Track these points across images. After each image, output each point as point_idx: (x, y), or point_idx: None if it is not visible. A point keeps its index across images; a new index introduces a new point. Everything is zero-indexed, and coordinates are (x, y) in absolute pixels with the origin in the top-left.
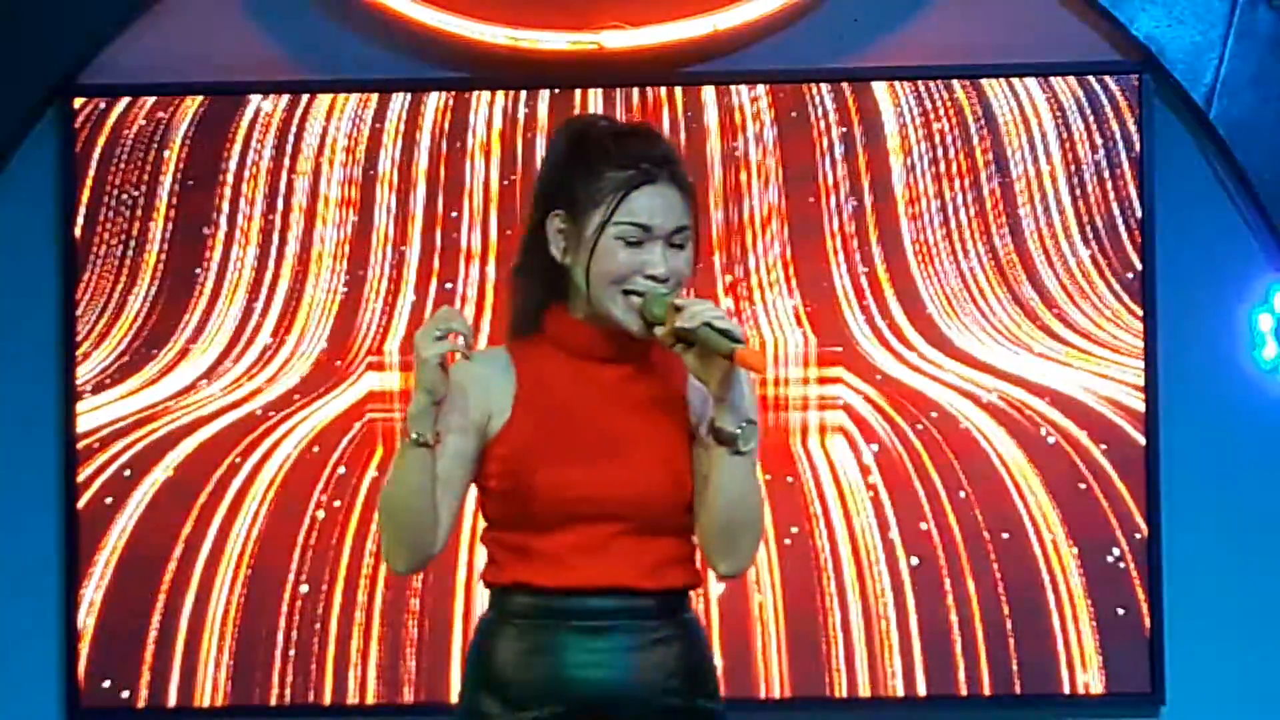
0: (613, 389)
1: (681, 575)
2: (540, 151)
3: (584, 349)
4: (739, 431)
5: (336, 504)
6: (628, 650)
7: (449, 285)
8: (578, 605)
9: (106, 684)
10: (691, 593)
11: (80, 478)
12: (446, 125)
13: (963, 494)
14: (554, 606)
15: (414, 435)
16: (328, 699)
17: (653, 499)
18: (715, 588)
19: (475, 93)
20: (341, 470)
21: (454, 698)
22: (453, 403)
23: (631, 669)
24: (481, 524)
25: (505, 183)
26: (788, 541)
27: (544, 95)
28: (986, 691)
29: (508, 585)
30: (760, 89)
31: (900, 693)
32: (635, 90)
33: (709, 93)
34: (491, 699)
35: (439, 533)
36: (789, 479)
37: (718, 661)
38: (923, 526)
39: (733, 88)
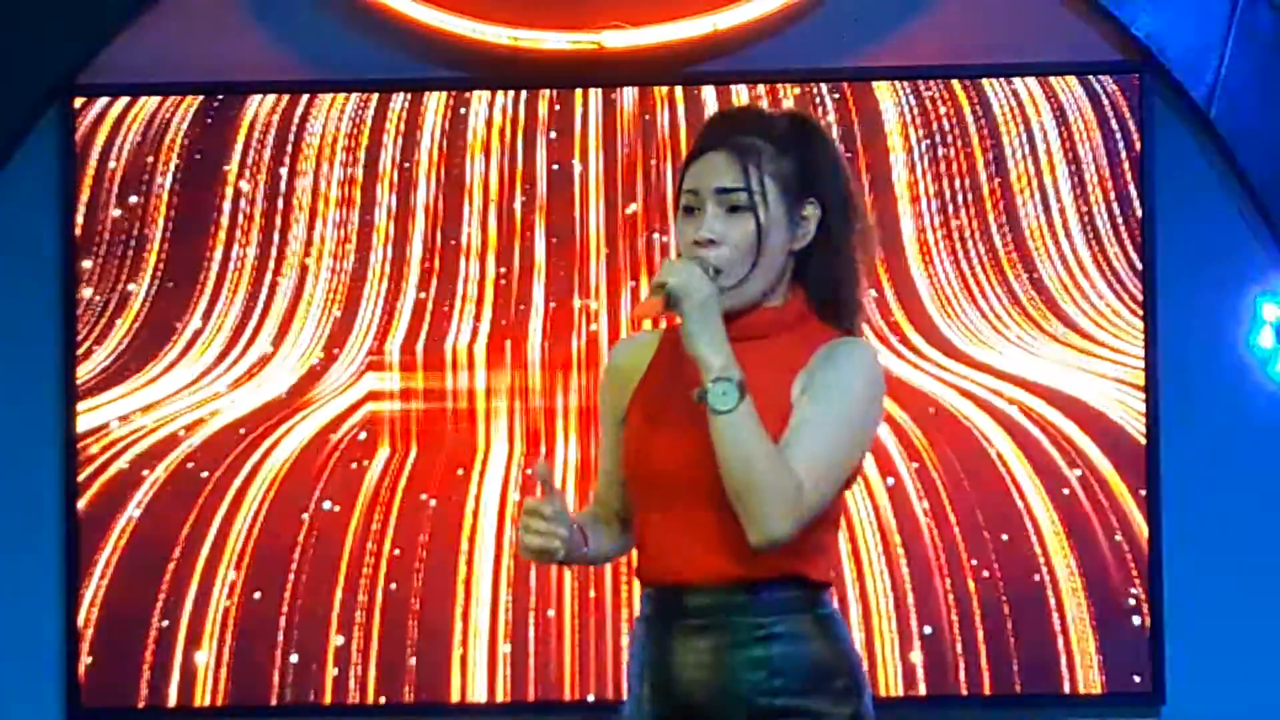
0: None
1: (788, 563)
2: (541, 151)
3: None
4: (707, 389)
5: (334, 506)
6: (725, 649)
7: (449, 285)
8: (678, 604)
9: (106, 684)
10: (821, 588)
11: (80, 477)
12: (446, 125)
13: (962, 493)
14: (661, 604)
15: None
16: (328, 699)
17: None
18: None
19: (475, 93)
20: (342, 470)
21: (454, 697)
22: (602, 396)
23: (729, 668)
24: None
25: (505, 182)
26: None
27: (544, 95)
28: (986, 691)
29: (642, 583)
30: (760, 89)
31: (900, 692)
32: (635, 90)
33: (709, 93)
34: (633, 699)
35: (620, 533)
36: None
37: None
38: (922, 526)
39: (733, 88)
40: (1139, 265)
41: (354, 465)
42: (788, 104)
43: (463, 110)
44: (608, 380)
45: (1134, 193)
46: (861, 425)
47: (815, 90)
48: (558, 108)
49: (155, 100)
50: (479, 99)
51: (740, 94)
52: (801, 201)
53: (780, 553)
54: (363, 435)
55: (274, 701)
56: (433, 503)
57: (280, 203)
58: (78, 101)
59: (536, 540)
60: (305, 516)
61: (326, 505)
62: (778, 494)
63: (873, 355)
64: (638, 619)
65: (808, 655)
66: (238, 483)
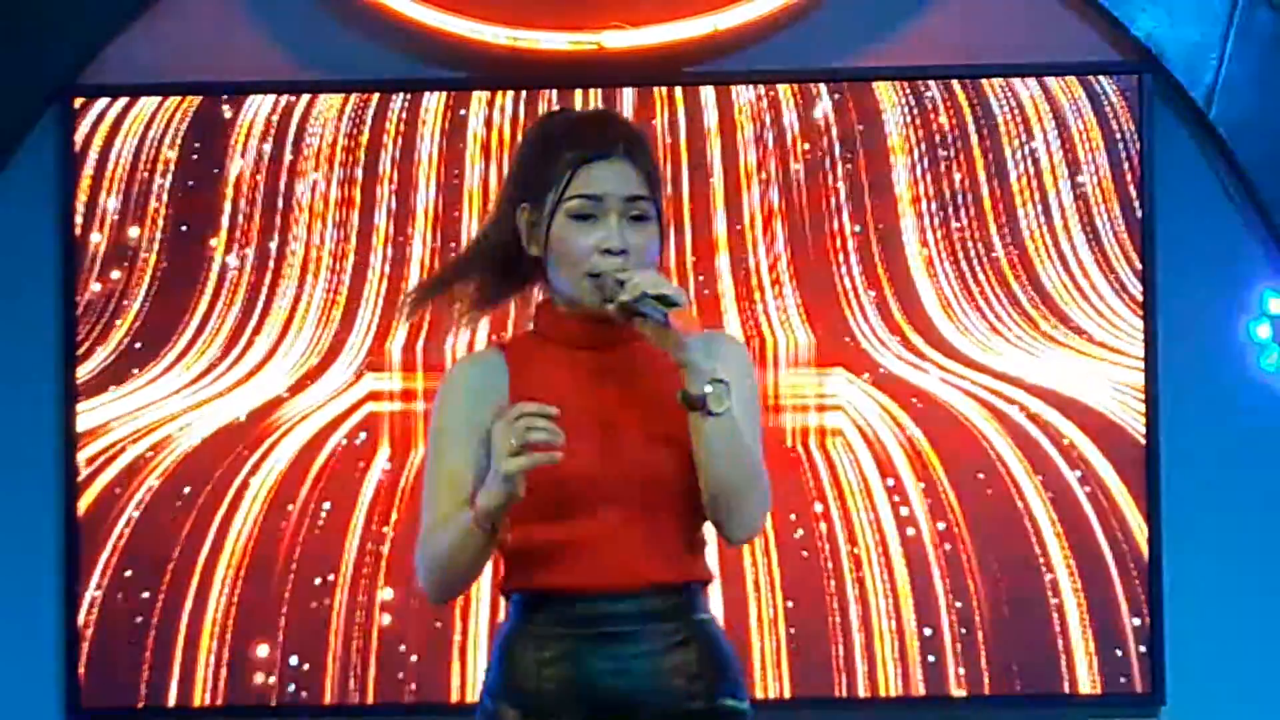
0: (606, 375)
1: (697, 567)
2: None
3: (573, 340)
4: (706, 393)
5: (333, 507)
6: (647, 655)
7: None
8: (596, 611)
9: (106, 684)
10: (705, 590)
11: (80, 477)
12: (446, 126)
13: (961, 494)
14: (574, 614)
15: (487, 527)
16: (327, 699)
17: (654, 477)
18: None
19: (475, 93)
20: (341, 471)
21: (453, 697)
22: (457, 416)
23: (652, 674)
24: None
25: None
26: (794, 536)
27: (544, 96)
28: (986, 691)
29: (524, 590)
30: (760, 89)
31: (899, 692)
32: (635, 90)
33: (709, 93)
34: (513, 710)
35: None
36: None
37: None
38: (923, 526)
39: (733, 88)
40: (1139, 265)
41: (353, 466)
42: (787, 104)
43: (462, 111)
44: (465, 400)
45: (1134, 193)
46: (760, 413)
47: (815, 90)
48: (557, 109)
49: (155, 100)
50: (479, 99)
51: (740, 94)
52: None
53: (691, 556)
54: (362, 436)
55: (274, 702)
56: None
57: (280, 203)
58: (78, 101)
59: (544, 435)
60: (304, 517)
61: (326, 506)
62: (762, 493)
63: (741, 343)
64: (510, 626)
65: (716, 655)
66: (237, 483)
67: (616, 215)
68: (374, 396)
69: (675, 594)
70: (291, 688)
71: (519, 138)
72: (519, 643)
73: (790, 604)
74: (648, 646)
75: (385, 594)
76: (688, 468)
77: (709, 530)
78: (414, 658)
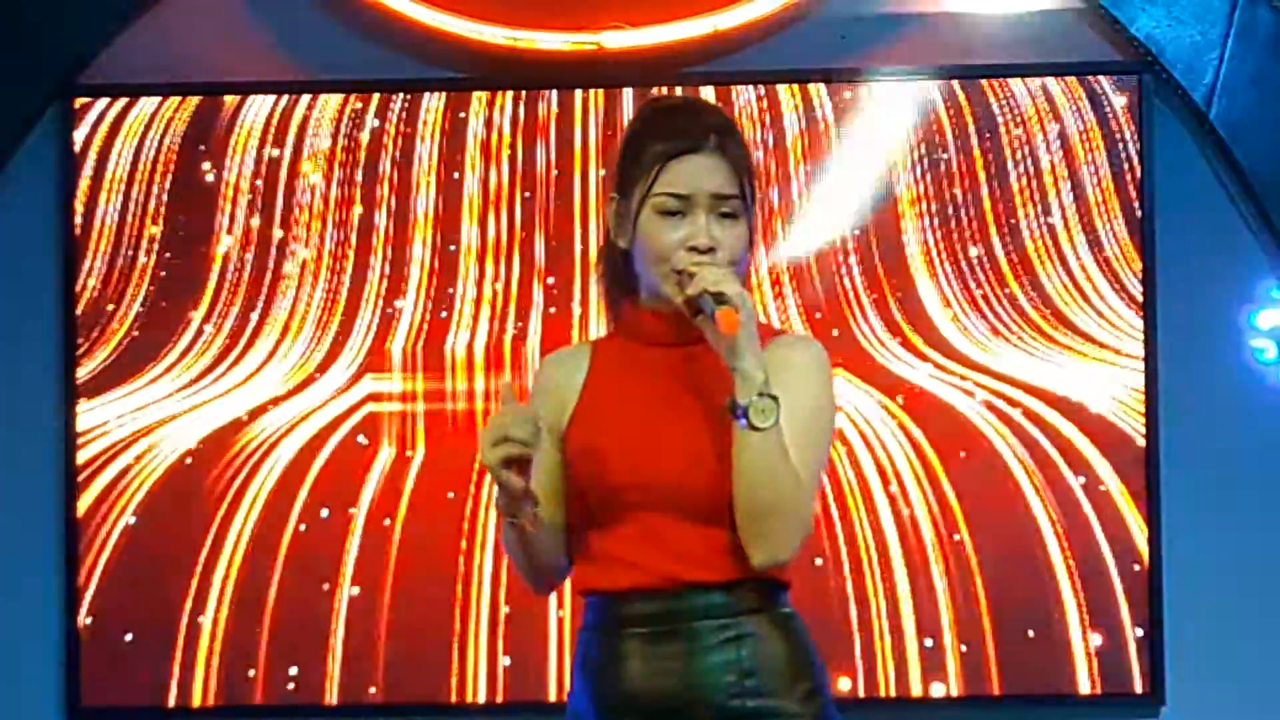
0: (669, 372)
1: (748, 566)
2: (540, 152)
3: (647, 335)
4: (749, 404)
5: (333, 507)
6: (690, 654)
7: (450, 289)
8: (634, 611)
9: (106, 684)
10: (781, 587)
11: (80, 478)
12: (446, 126)
13: (962, 495)
14: (615, 615)
15: (508, 519)
16: (327, 699)
17: (697, 481)
18: None
19: (474, 93)
20: (341, 472)
21: (453, 697)
22: (537, 412)
23: (696, 673)
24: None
25: (505, 184)
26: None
27: (544, 95)
28: (986, 692)
29: (583, 593)
30: (760, 89)
31: (899, 693)
32: (635, 90)
33: (709, 93)
34: (580, 710)
35: (562, 555)
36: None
37: None
38: (923, 527)
39: (733, 88)
40: (1139, 265)
41: (353, 467)
42: (787, 104)
43: (462, 111)
44: (538, 397)
45: (1134, 193)
46: (830, 433)
47: (815, 90)
48: (557, 109)
49: (155, 100)
50: (478, 100)
51: (740, 94)
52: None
53: (731, 554)
54: (362, 437)
55: (273, 702)
56: (433, 504)
57: (279, 203)
58: (78, 102)
59: (521, 432)
60: (304, 517)
61: (325, 506)
62: (796, 519)
63: (824, 353)
64: (584, 630)
65: (776, 655)
66: (237, 483)
67: (705, 211)
68: (374, 398)
69: (719, 591)
70: (292, 688)
71: (519, 138)
72: (580, 645)
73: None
74: (690, 645)
75: (386, 594)
76: (718, 470)
77: None
78: (414, 658)
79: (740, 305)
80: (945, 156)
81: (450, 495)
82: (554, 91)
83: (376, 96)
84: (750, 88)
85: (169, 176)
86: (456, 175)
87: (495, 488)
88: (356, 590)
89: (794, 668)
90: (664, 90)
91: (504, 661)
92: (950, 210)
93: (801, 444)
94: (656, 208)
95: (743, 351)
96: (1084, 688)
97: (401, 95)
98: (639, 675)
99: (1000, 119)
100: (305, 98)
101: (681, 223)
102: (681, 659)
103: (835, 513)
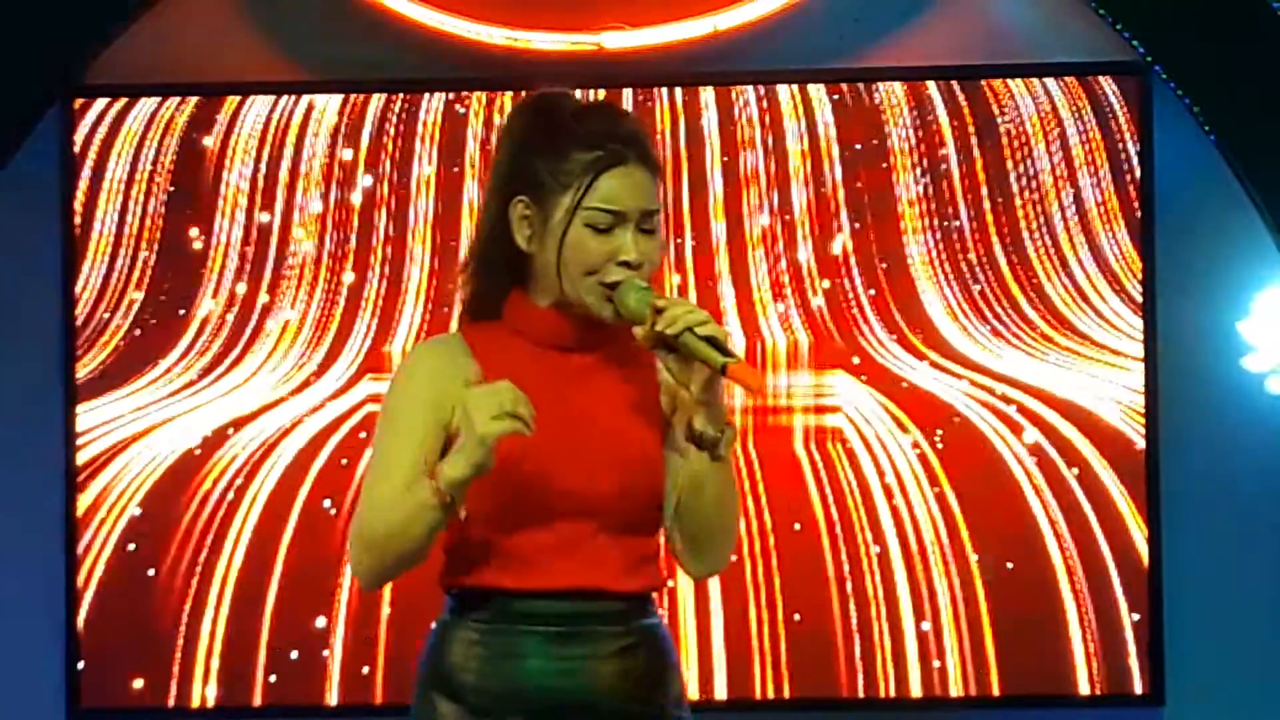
0: (582, 378)
1: (651, 576)
2: None
3: (550, 337)
4: (720, 436)
5: (333, 508)
6: (592, 658)
7: (449, 288)
8: (542, 610)
9: (106, 684)
10: (655, 594)
11: (80, 477)
12: (446, 125)
13: (962, 496)
14: (516, 610)
15: (449, 498)
16: (329, 699)
17: (633, 493)
18: (713, 585)
19: (475, 93)
20: (341, 472)
21: None
22: (415, 400)
23: (596, 677)
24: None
25: None
26: (793, 538)
27: None
28: (985, 692)
29: (472, 588)
30: (760, 89)
31: (898, 693)
32: (635, 90)
33: (709, 93)
34: (448, 703)
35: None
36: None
37: (719, 662)
38: (923, 527)
39: (733, 88)
40: (1139, 266)
41: (353, 468)
42: (787, 104)
43: (462, 111)
44: (427, 381)
45: (1134, 193)
46: None
47: (815, 90)
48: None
49: (155, 100)
50: (478, 100)
51: (740, 94)
52: None
53: (646, 565)
54: (362, 436)
55: (274, 702)
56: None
57: (279, 203)
58: (78, 102)
59: (525, 410)
60: (305, 518)
61: (325, 507)
62: (733, 535)
63: None
64: (447, 621)
65: (660, 663)
66: (237, 484)
67: (634, 227)
68: (374, 399)
69: (625, 600)
70: (292, 688)
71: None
72: (456, 635)
73: (789, 604)
74: (593, 649)
75: (385, 594)
76: (648, 482)
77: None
78: (414, 658)
79: (740, 356)
80: (945, 157)
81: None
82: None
83: (376, 96)
84: (750, 88)
85: (169, 176)
86: (456, 175)
87: (457, 461)
88: (356, 590)
89: (673, 674)
90: (664, 90)
91: None
92: (950, 211)
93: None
94: (587, 221)
95: (720, 389)
96: (1084, 688)
97: (401, 95)
98: (536, 673)
99: (1000, 119)
100: (305, 98)
101: (610, 237)
102: (584, 661)
103: (835, 513)
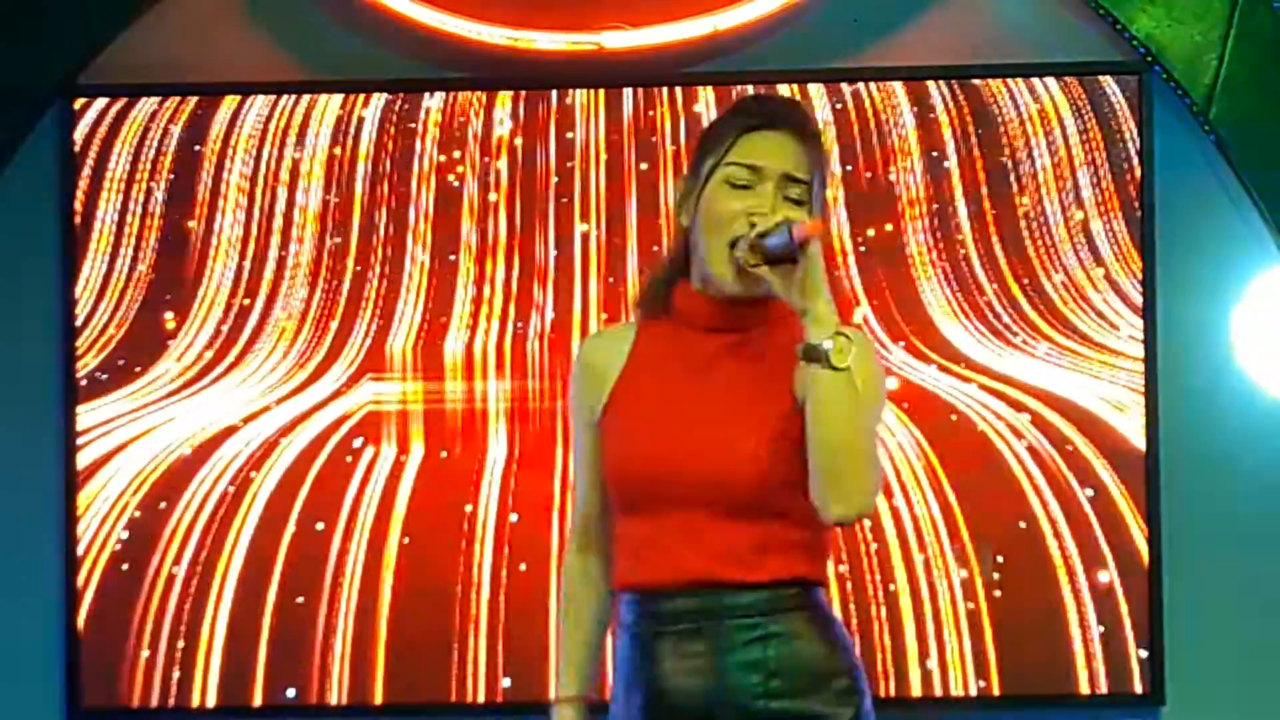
0: (714, 359)
1: (786, 564)
2: (540, 152)
3: (698, 318)
4: (828, 345)
5: (334, 508)
6: (717, 652)
7: (449, 288)
8: (664, 609)
9: (106, 684)
10: (815, 587)
11: (80, 477)
12: (446, 125)
13: (963, 495)
14: (646, 611)
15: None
16: (331, 699)
17: (736, 475)
18: None
19: (475, 93)
20: (341, 473)
21: (453, 696)
22: (578, 397)
23: (723, 672)
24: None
25: (506, 183)
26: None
27: (544, 95)
28: (986, 691)
29: (618, 590)
30: (760, 89)
31: (898, 693)
32: (635, 90)
33: (709, 93)
34: (615, 709)
35: (608, 562)
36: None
37: None
38: (923, 528)
39: (732, 88)
40: (1139, 266)
41: (354, 468)
42: None
43: (461, 111)
44: (581, 379)
45: (1134, 193)
46: (883, 401)
47: (816, 90)
48: (557, 109)
49: (155, 100)
50: (478, 100)
51: (740, 94)
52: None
53: (782, 553)
54: (362, 438)
55: (273, 702)
56: (433, 505)
57: (279, 203)
58: (78, 102)
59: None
60: (304, 518)
61: (325, 507)
62: (875, 465)
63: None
64: (621, 627)
65: (805, 656)
66: (238, 484)
67: (773, 187)
68: (374, 400)
69: (751, 591)
70: (292, 687)
71: (519, 138)
72: (617, 642)
73: None
74: (717, 643)
75: (385, 594)
76: (774, 465)
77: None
78: (414, 659)
79: (814, 239)
80: (945, 157)
81: (450, 496)
82: (554, 91)
83: (377, 96)
84: (750, 88)
85: (169, 176)
86: (456, 175)
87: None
88: (356, 590)
89: (824, 668)
90: (664, 90)
91: (504, 662)
92: (950, 211)
93: (870, 400)
94: (726, 178)
95: (816, 289)
96: (1084, 688)
97: (401, 95)
98: (669, 675)
99: (1000, 119)
100: (305, 98)
101: (748, 194)
102: (708, 658)
103: None
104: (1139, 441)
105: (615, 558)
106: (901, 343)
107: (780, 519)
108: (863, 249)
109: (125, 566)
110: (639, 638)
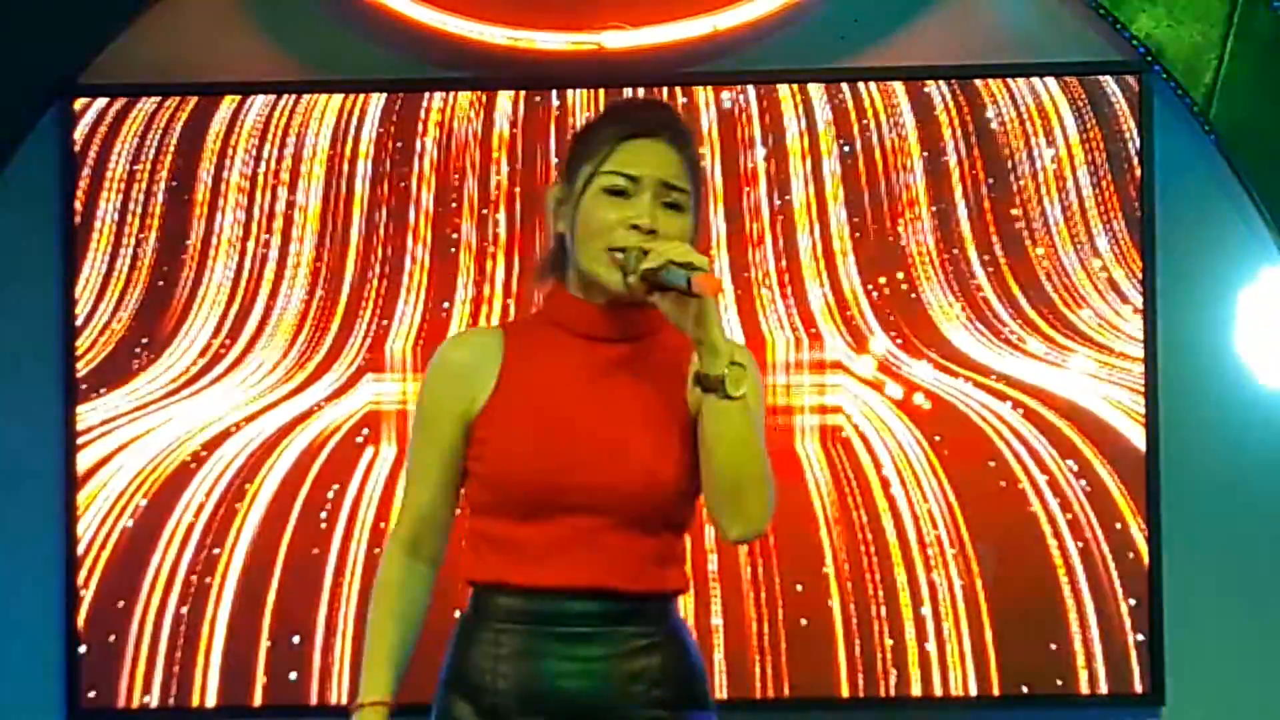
0: (605, 369)
1: (669, 578)
2: (540, 152)
3: (579, 326)
4: (725, 374)
5: (334, 508)
6: (610, 658)
7: (449, 288)
8: (558, 609)
9: (107, 685)
10: (679, 597)
11: (80, 477)
12: (446, 125)
13: (962, 496)
14: (534, 610)
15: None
16: (333, 699)
17: (639, 488)
18: (714, 585)
19: (475, 93)
20: (342, 472)
21: None
22: (437, 395)
23: (613, 678)
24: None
25: (506, 183)
26: (793, 537)
27: (544, 95)
28: (986, 691)
29: (488, 584)
30: (760, 89)
31: (898, 693)
32: (635, 90)
33: (709, 93)
34: (466, 704)
35: (431, 577)
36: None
37: (718, 661)
38: (924, 528)
39: (732, 88)
40: (1139, 265)
41: (354, 467)
42: (787, 104)
43: (461, 111)
44: (448, 377)
45: (1133, 193)
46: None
47: (816, 90)
48: (557, 109)
49: (155, 100)
50: (478, 100)
51: (740, 94)
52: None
53: (665, 566)
54: (362, 437)
55: (274, 702)
56: None
57: (279, 203)
58: (78, 102)
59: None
60: (304, 517)
61: (326, 506)
62: (770, 486)
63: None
64: (469, 620)
65: (681, 665)
66: (238, 483)
67: (650, 196)
68: (374, 399)
69: (643, 600)
70: (292, 688)
71: (518, 137)
72: (475, 635)
73: (789, 604)
74: (610, 649)
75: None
76: (675, 478)
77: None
78: (417, 657)
79: (705, 268)
80: (945, 157)
81: None
82: (554, 91)
83: (376, 96)
84: (750, 88)
85: (168, 176)
86: (456, 175)
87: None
88: (357, 589)
89: (695, 677)
90: (664, 90)
91: None
92: (950, 211)
93: (756, 432)
94: (603, 186)
95: (711, 321)
96: (1084, 687)
97: (401, 95)
98: (554, 674)
99: (1000, 119)
100: (305, 98)
101: (626, 203)
102: (601, 663)
103: (835, 512)
104: (1139, 441)
105: (479, 553)
106: (900, 342)
107: (673, 530)
108: (861, 249)
109: (125, 566)
110: (515, 636)
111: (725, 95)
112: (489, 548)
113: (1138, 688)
